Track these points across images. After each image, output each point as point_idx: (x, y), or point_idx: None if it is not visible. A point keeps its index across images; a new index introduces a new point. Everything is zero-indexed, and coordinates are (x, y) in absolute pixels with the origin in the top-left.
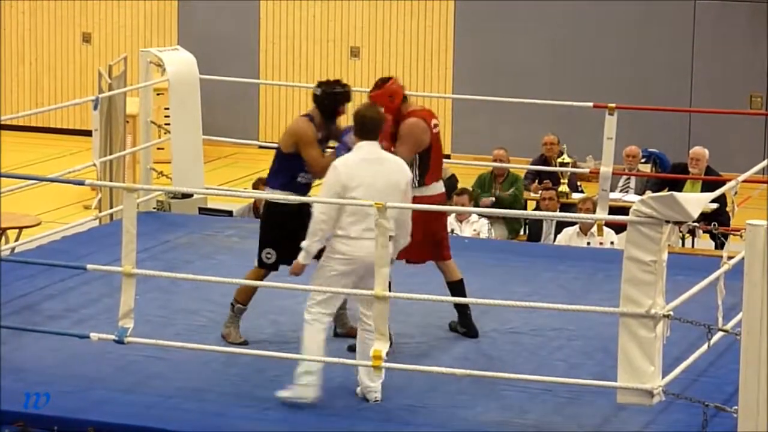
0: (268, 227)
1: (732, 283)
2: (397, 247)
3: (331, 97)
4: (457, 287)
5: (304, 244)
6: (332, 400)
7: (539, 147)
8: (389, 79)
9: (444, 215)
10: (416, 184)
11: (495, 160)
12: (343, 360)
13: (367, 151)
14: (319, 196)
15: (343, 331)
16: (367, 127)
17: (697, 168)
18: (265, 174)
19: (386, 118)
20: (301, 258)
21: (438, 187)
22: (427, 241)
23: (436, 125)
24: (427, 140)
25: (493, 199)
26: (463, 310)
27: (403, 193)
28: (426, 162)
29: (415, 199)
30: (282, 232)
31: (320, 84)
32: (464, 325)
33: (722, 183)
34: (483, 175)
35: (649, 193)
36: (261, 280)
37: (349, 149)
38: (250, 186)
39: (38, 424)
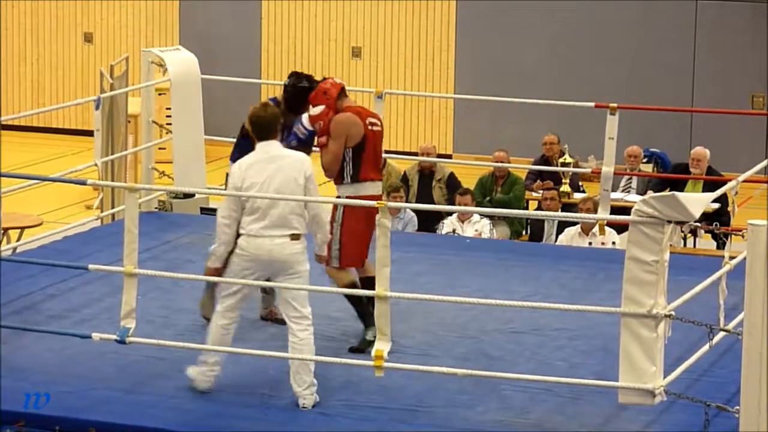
0: None
1: (734, 283)
2: (316, 243)
3: (295, 90)
4: (369, 282)
5: (211, 248)
6: (333, 401)
7: (540, 147)
8: (325, 79)
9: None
10: (348, 180)
11: (495, 162)
12: (343, 360)
13: (263, 150)
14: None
15: (264, 313)
16: (259, 128)
17: (699, 168)
18: None
19: (324, 115)
20: (210, 262)
21: (374, 187)
22: (368, 243)
23: (373, 124)
24: (357, 135)
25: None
26: (359, 310)
27: (303, 188)
28: (358, 158)
29: (349, 198)
30: None
31: (291, 75)
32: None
33: (723, 183)
34: (483, 177)
35: (651, 193)
36: None
37: (299, 139)
38: None
39: (40, 424)
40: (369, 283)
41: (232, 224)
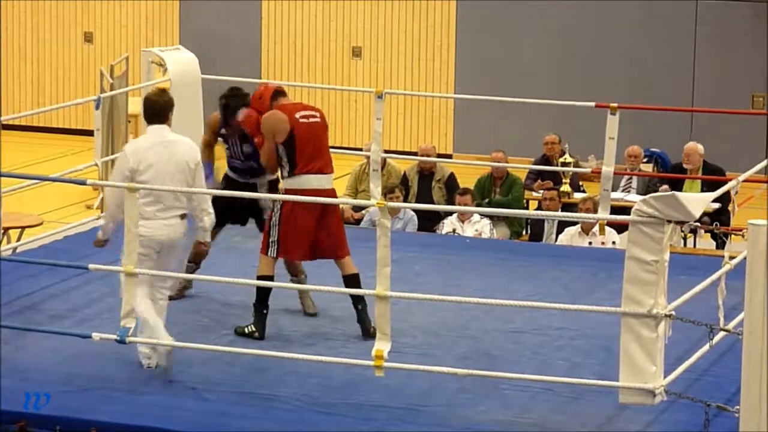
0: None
1: (734, 283)
2: (202, 227)
3: (221, 105)
4: (351, 280)
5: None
6: (334, 400)
7: (541, 147)
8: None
9: (330, 212)
10: (286, 174)
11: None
12: (345, 360)
13: (156, 134)
14: (111, 178)
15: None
16: (152, 112)
17: (690, 164)
18: None
19: (253, 114)
20: (99, 233)
21: (312, 181)
22: (305, 239)
23: (307, 116)
24: (284, 130)
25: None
26: (355, 304)
27: (193, 173)
28: (292, 152)
29: (286, 191)
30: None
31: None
32: (358, 320)
33: (723, 182)
34: (482, 178)
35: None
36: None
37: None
38: None
39: (40, 424)
40: (352, 280)
41: (117, 202)
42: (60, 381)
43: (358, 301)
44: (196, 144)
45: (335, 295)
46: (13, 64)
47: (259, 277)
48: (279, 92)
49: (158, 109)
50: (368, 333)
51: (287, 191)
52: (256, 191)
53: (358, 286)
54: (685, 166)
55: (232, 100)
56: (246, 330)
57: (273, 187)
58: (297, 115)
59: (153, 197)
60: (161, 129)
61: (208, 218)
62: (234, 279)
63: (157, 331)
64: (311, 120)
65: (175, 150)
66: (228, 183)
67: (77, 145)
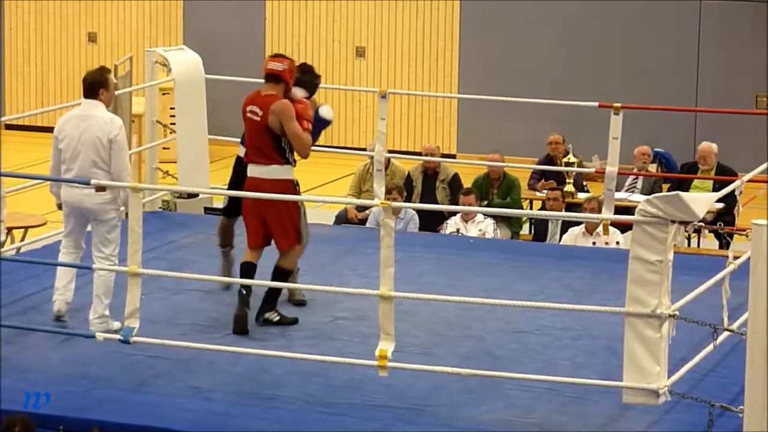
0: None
1: (737, 283)
2: (122, 197)
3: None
4: (275, 272)
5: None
6: (337, 400)
7: (545, 147)
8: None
9: (263, 202)
10: (293, 162)
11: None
12: (348, 360)
13: (82, 108)
14: None
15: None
16: (85, 86)
17: (707, 164)
18: None
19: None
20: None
21: (248, 168)
22: (254, 224)
23: (252, 111)
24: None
25: None
26: (271, 296)
27: (107, 148)
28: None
29: (292, 181)
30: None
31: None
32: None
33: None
34: (478, 178)
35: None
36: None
37: (319, 122)
38: None
39: (43, 423)
40: (275, 272)
41: (52, 168)
42: (63, 380)
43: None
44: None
45: (338, 295)
46: (17, 64)
47: (287, 271)
48: (266, 77)
49: (88, 84)
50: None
51: (292, 181)
52: None
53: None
54: (700, 166)
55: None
56: (273, 318)
57: None
58: (246, 108)
59: (66, 166)
60: (90, 104)
61: (124, 193)
62: (239, 279)
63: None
64: (247, 114)
65: (90, 125)
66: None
67: None
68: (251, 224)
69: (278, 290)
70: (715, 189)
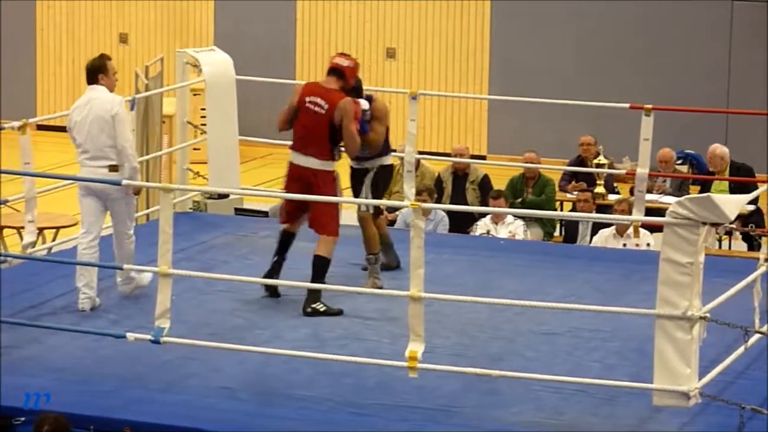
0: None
1: None
2: (127, 169)
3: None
4: (314, 262)
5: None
6: (367, 400)
7: (575, 148)
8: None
9: (321, 188)
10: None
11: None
12: (378, 361)
13: (85, 94)
14: None
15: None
16: (86, 74)
17: (713, 166)
18: None
19: None
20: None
21: (293, 155)
22: (291, 205)
23: (313, 102)
24: (293, 102)
25: None
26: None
27: (110, 125)
28: (293, 126)
29: (334, 174)
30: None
31: None
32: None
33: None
34: (514, 178)
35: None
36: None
37: (364, 117)
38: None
39: (74, 423)
40: (313, 261)
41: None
42: (94, 380)
43: (311, 280)
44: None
45: (367, 296)
46: (49, 65)
47: (325, 259)
48: (329, 71)
49: (88, 71)
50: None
51: (337, 174)
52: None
53: (316, 271)
54: (710, 168)
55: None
56: (320, 308)
57: (381, 170)
58: (306, 99)
59: (82, 148)
60: (91, 89)
61: (128, 164)
62: (269, 280)
63: (88, 272)
64: (306, 104)
65: (93, 107)
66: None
67: None
68: (289, 205)
69: (323, 279)
70: (731, 189)
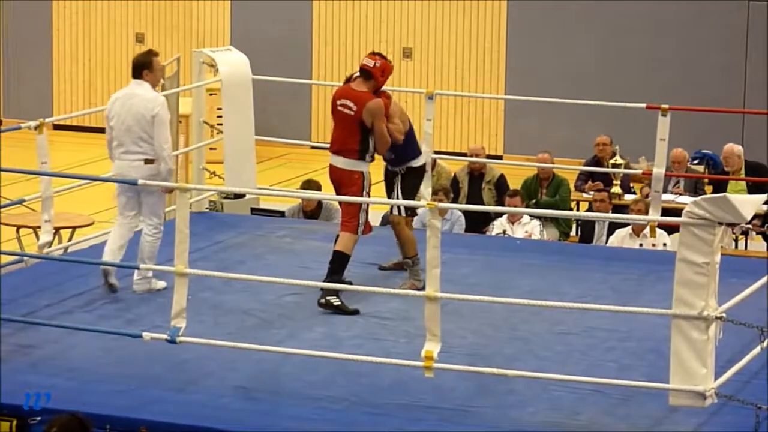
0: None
1: None
2: (163, 170)
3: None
4: (332, 255)
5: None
6: (383, 400)
7: (591, 148)
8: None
9: (347, 187)
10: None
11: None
12: (394, 361)
13: (129, 88)
14: None
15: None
16: (132, 68)
17: (729, 166)
18: (316, 175)
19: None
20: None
21: (330, 157)
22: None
23: (344, 105)
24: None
25: None
26: (330, 277)
27: (150, 124)
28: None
29: (363, 173)
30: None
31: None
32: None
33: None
34: (528, 179)
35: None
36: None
37: None
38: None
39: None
40: (334, 254)
41: (107, 145)
42: (110, 380)
43: (328, 272)
44: None
45: (384, 296)
46: (65, 64)
47: (343, 254)
48: (350, 77)
49: (134, 66)
50: (318, 302)
51: (364, 174)
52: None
53: (334, 265)
54: (726, 168)
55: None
56: (334, 302)
57: (410, 173)
58: (337, 102)
59: (117, 141)
60: (135, 83)
61: (164, 165)
62: (286, 280)
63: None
64: (338, 108)
65: (135, 103)
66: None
67: None
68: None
69: (340, 274)
70: (749, 188)
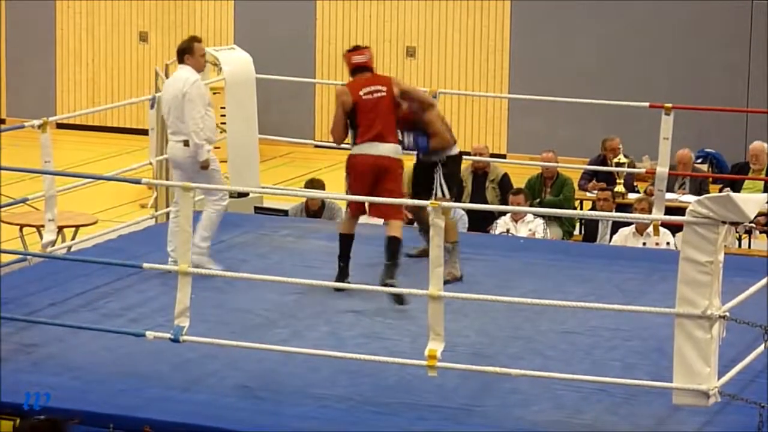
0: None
1: None
2: (193, 153)
3: None
4: (389, 241)
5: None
6: (387, 399)
7: (595, 147)
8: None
9: (384, 178)
10: (352, 142)
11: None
12: (398, 360)
13: (173, 74)
14: None
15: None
16: (176, 54)
17: (758, 164)
18: (320, 174)
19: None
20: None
21: (370, 147)
22: (364, 193)
23: (371, 92)
24: (347, 103)
25: None
26: (392, 261)
27: (181, 103)
28: (353, 123)
29: (351, 156)
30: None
31: None
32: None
33: None
34: (531, 178)
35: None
36: None
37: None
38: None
39: (95, 421)
40: (389, 241)
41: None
42: (114, 379)
43: (389, 257)
44: None
45: (387, 295)
46: (69, 63)
47: (400, 240)
48: (358, 68)
49: (177, 52)
50: (382, 282)
51: (348, 157)
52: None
53: (394, 249)
54: (752, 166)
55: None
56: (396, 283)
57: (452, 162)
58: (361, 92)
59: (167, 123)
60: (179, 68)
61: (192, 143)
62: (290, 279)
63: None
64: (370, 96)
65: (171, 84)
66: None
67: (132, 144)
68: (362, 193)
69: (398, 259)
70: (767, 189)
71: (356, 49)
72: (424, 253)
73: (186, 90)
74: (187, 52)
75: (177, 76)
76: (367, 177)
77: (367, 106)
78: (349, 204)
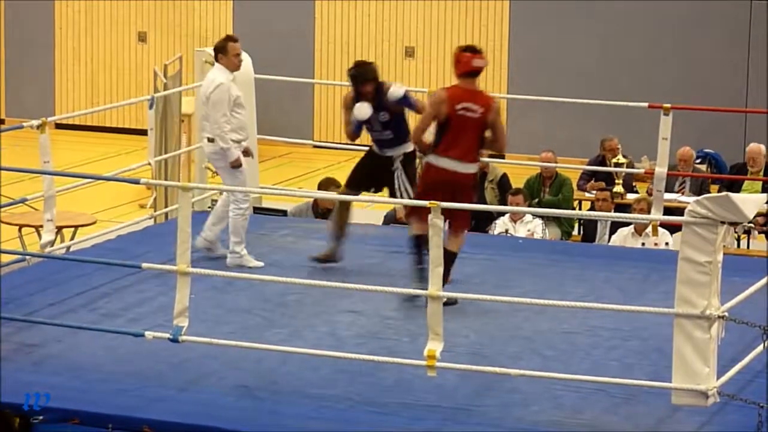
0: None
1: None
2: (224, 153)
3: (350, 77)
4: (449, 255)
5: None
6: (386, 399)
7: (594, 147)
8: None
9: (460, 192)
10: (432, 149)
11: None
12: (397, 360)
13: (208, 72)
14: None
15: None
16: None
17: (756, 166)
18: (316, 174)
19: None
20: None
21: (449, 162)
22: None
23: (467, 109)
24: (441, 114)
25: None
26: (419, 274)
27: (204, 103)
28: (440, 134)
29: (429, 164)
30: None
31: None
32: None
33: None
34: (530, 178)
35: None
36: None
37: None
38: (305, 185)
39: (93, 421)
40: (447, 255)
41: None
42: (113, 379)
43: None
44: None
45: (387, 295)
46: (68, 63)
47: (456, 254)
48: (469, 73)
49: (214, 51)
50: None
51: (425, 165)
52: (391, 164)
53: (449, 263)
54: (749, 167)
55: (357, 70)
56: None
57: (407, 159)
58: (458, 106)
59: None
60: (214, 67)
61: (213, 142)
62: (288, 279)
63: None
64: (465, 112)
65: (203, 84)
66: (367, 153)
67: (131, 145)
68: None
69: (449, 270)
70: (765, 190)
71: (474, 50)
72: (330, 258)
73: (210, 92)
74: (221, 51)
75: (207, 76)
76: (440, 191)
77: (459, 123)
78: (413, 210)
